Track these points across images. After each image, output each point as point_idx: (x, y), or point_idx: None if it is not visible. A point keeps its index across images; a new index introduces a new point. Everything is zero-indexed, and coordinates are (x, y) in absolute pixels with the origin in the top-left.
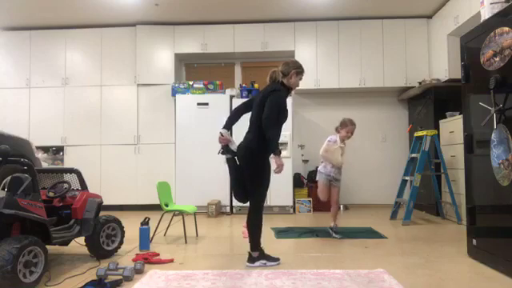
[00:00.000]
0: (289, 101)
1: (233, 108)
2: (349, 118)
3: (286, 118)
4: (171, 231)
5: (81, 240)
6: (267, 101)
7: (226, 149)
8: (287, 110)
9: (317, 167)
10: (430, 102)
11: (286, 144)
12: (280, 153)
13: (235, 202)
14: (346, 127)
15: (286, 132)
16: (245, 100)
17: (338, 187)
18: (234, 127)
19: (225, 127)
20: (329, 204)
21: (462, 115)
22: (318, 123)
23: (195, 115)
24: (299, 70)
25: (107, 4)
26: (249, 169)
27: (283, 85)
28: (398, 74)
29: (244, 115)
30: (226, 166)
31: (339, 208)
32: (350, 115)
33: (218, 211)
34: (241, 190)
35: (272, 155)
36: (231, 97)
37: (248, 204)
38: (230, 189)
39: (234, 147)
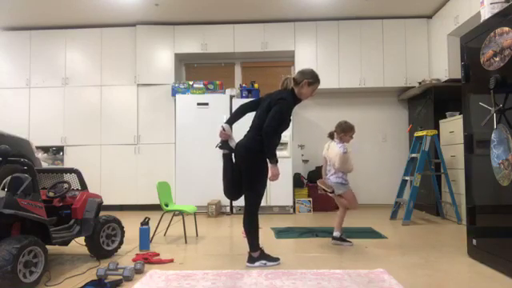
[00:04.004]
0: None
1: (233, 108)
2: (344, 120)
3: (287, 127)
4: (171, 231)
5: (81, 240)
6: (272, 109)
7: (224, 144)
8: (290, 119)
9: (317, 167)
10: (429, 102)
11: (286, 144)
12: (277, 162)
13: (235, 202)
14: (351, 131)
15: (286, 132)
16: (246, 99)
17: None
18: (235, 125)
19: (227, 122)
20: (332, 204)
21: (462, 115)
22: (318, 123)
23: (195, 115)
24: (311, 81)
25: (107, 4)
26: (246, 168)
27: (293, 93)
28: (398, 74)
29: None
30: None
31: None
32: (350, 115)
33: (217, 211)
34: (231, 186)
35: (269, 164)
36: (231, 97)
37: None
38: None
39: (232, 144)
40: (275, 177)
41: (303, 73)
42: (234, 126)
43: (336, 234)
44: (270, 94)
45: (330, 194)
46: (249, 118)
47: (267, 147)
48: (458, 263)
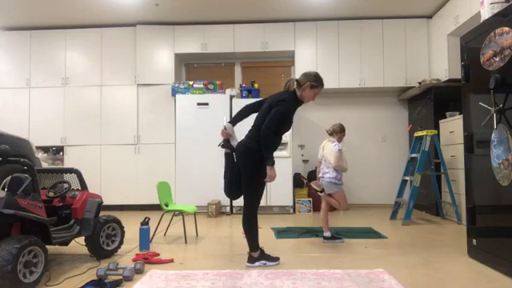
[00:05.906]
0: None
1: (233, 108)
2: (339, 123)
3: (288, 128)
4: (171, 231)
5: (81, 240)
6: (272, 110)
7: (226, 143)
8: (291, 121)
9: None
10: (429, 102)
11: (285, 144)
12: (273, 164)
13: (235, 202)
14: (344, 132)
15: (286, 132)
16: (246, 99)
17: None
18: (238, 124)
19: (230, 122)
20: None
21: (462, 115)
22: (318, 123)
23: (195, 115)
24: (314, 84)
25: (107, 4)
26: (245, 168)
27: (295, 95)
28: (398, 74)
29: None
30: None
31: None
32: (349, 115)
33: (217, 211)
34: (231, 185)
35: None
36: (231, 97)
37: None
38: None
39: (234, 143)
40: (271, 179)
41: (307, 75)
42: (238, 125)
43: (327, 234)
44: (272, 95)
45: (320, 194)
46: (253, 118)
47: (264, 148)
48: (458, 263)
